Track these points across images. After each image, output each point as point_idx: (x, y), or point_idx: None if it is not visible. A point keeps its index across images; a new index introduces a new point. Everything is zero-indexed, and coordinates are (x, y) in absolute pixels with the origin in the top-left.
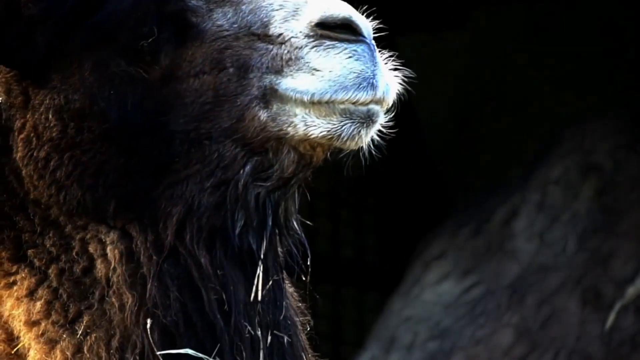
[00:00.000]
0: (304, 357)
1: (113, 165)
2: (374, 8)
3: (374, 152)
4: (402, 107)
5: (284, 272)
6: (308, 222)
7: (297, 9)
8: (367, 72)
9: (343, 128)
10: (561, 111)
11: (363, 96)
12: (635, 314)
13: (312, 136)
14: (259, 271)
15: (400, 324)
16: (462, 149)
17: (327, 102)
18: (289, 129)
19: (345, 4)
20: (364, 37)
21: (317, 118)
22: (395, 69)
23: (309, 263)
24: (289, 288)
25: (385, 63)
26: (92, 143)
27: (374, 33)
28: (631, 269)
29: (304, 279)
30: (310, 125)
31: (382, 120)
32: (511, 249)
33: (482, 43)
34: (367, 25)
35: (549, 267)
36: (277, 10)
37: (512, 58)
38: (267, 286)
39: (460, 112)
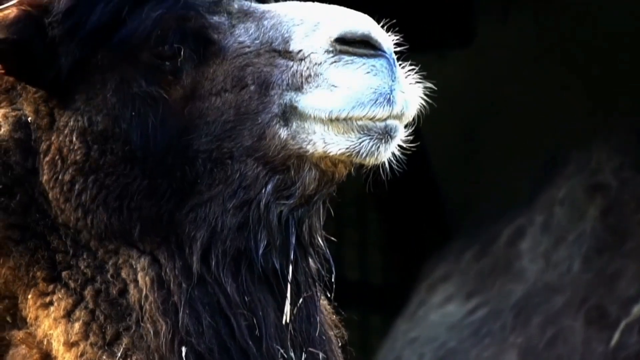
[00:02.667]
0: None
1: (136, 188)
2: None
3: (395, 167)
4: (407, 126)
5: (317, 285)
6: (333, 239)
7: (318, 23)
8: (385, 88)
9: (361, 145)
10: (567, 131)
11: (380, 112)
12: None
13: (331, 154)
14: (288, 293)
15: (406, 345)
16: (467, 169)
17: (345, 119)
18: (309, 146)
19: (366, 17)
20: (383, 51)
21: (336, 135)
22: (417, 83)
23: (333, 280)
24: (323, 301)
25: (406, 77)
26: (115, 165)
27: (394, 47)
28: (636, 288)
29: (328, 295)
30: (329, 142)
31: (402, 135)
32: (516, 270)
33: (488, 61)
34: (387, 40)
35: (554, 287)
36: (298, 25)
37: (517, 77)
38: (299, 303)
39: (465, 132)
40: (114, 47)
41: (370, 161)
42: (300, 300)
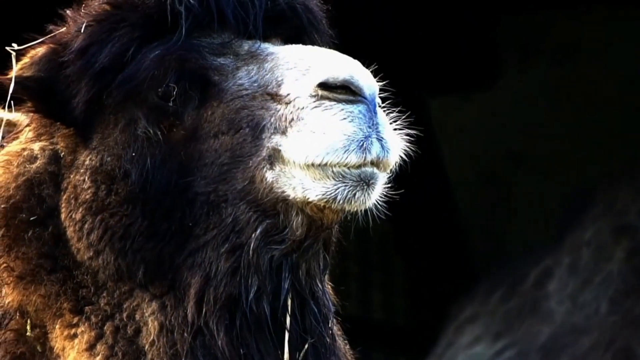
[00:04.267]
0: None
1: (137, 229)
2: (405, 71)
3: (377, 214)
4: (433, 169)
5: (338, 329)
6: (332, 285)
7: (308, 68)
8: (359, 135)
9: (337, 191)
10: (592, 172)
11: (353, 159)
12: None
13: (310, 199)
14: (286, 340)
15: None
16: (493, 210)
17: (320, 165)
18: (289, 191)
19: (353, 62)
20: (364, 97)
21: (313, 181)
22: (402, 129)
23: (330, 326)
24: (340, 344)
25: (391, 122)
26: (119, 206)
27: (381, 92)
28: None
29: (328, 340)
30: (307, 188)
31: (382, 181)
32: (544, 311)
33: (511, 103)
34: (370, 85)
35: (582, 328)
36: (290, 69)
37: (541, 119)
38: (306, 348)
39: (490, 173)
40: (120, 87)
41: (351, 207)
42: (306, 345)
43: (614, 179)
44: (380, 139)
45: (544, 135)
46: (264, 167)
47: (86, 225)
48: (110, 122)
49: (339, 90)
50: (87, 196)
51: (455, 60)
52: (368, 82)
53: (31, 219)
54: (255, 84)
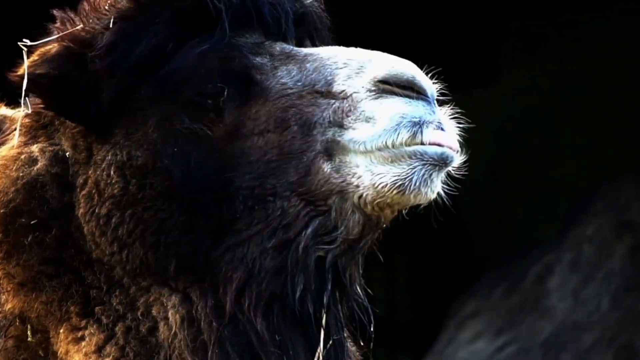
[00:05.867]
0: None
1: (174, 223)
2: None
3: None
4: None
5: (345, 330)
6: (368, 290)
7: (362, 66)
8: (420, 114)
9: (414, 171)
10: (594, 168)
11: (411, 134)
12: None
13: (380, 186)
14: (322, 338)
15: None
16: (495, 206)
17: (386, 148)
18: (353, 179)
19: (410, 63)
20: (426, 95)
21: (383, 165)
22: (457, 125)
23: (372, 329)
24: (351, 347)
25: (449, 118)
26: (153, 200)
27: (437, 94)
28: None
29: (362, 343)
30: (376, 173)
31: (455, 163)
32: (545, 308)
33: (513, 99)
34: (430, 86)
35: (583, 325)
36: (341, 68)
37: (542, 114)
38: (328, 346)
39: (492, 170)
40: (157, 83)
41: (421, 196)
42: (330, 342)
43: (616, 175)
44: (443, 129)
45: (545, 132)
46: (320, 159)
47: (113, 220)
48: (137, 117)
49: (402, 88)
50: (115, 190)
51: (456, 56)
52: (428, 82)
53: (32, 222)
54: (300, 83)
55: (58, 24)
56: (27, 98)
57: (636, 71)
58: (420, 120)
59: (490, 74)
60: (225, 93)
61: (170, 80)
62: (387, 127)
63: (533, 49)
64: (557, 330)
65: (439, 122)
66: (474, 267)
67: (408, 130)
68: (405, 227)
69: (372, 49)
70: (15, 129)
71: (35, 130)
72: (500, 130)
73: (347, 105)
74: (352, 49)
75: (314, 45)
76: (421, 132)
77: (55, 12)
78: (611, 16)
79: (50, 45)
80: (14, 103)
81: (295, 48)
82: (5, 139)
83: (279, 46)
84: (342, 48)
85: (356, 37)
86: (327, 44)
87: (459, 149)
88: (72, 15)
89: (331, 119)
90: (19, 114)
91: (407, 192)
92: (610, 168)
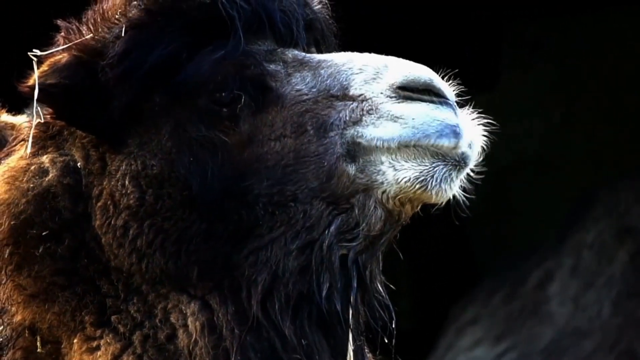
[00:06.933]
0: None
1: (195, 232)
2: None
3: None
4: None
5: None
6: (391, 286)
7: (378, 72)
8: (451, 121)
9: (435, 169)
10: (595, 173)
11: (446, 143)
12: None
13: (403, 180)
14: (350, 337)
15: None
16: (495, 212)
17: (414, 146)
18: (378, 176)
19: (426, 68)
20: (447, 99)
21: (406, 161)
22: (480, 125)
23: (394, 326)
24: (367, 353)
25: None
26: (172, 210)
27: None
28: None
29: (386, 341)
30: (399, 169)
31: (472, 164)
32: (545, 313)
33: (512, 104)
34: (449, 89)
35: (584, 331)
36: (357, 73)
37: (542, 120)
38: (354, 348)
39: (492, 175)
40: (171, 91)
41: (440, 194)
42: (353, 347)
43: (616, 180)
44: (468, 131)
45: (546, 137)
46: (343, 162)
47: (131, 231)
48: (150, 125)
49: (421, 92)
50: (131, 201)
51: (457, 60)
52: (446, 85)
53: (43, 233)
54: (314, 89)
55: (64, 34)
56: (38, 107)
57: (637, 75)
58: (444, 122)
59: (491, 79)
60: (242, 101)
61: (185, 88)
62: (413, 126)
63: (534, 52)
64: (557, 336)
65: (461, 124)
66: (474, 272)
67: (433, 131)
68: (405, 233)
69: (374, 52)
70: (22, 140)
71: (43, 140)
72: (500, 135)
73: (366, 105)
74: (365, 54)
75: (319, 51)
76: (446, 133)
77: (59, 22)
78: (613, 19)
79: (60, 55)
80: (14, 110)
81: (308, 55)
82: (12, 149)
83: (290, 53)
84: (355, 54)
85: (359, 40)
86: (333, 50)
87: (479, 151)
88: (77, 25)
89: (348, 117)
90: (22, 121)
91: (429, 187)
92: (609, 173)
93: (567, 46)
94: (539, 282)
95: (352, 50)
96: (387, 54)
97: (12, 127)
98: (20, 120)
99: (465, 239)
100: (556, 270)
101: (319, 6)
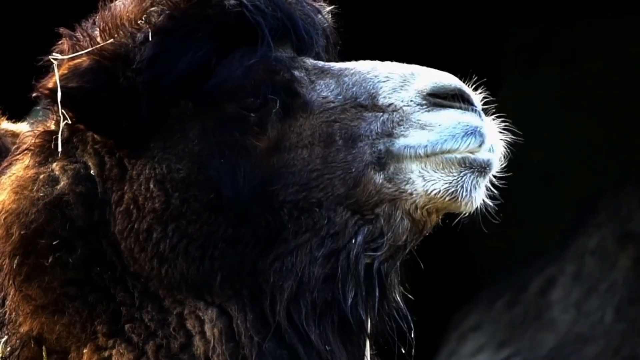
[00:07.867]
0: None
1: (221, 237)
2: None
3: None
4: None
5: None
6: (410, 296)
7: (405, 80)
8: (475, 123)
9: (463, 179)
10: (597, 179)
11: (472, 142)
12: None
13: (433, 192)
14: (367, 346)
15: None
16: (496, 218)
17: (442, 153)
18: (407, 186)
19: (451, 75)
20: (474, 106)
21: (435, 172)
22: (502, 132)
23: (412, 336)
24: None
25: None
26: (198, 214)
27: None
28: None
29: (403, 351)
30: (428, 180)
31: (495, 169)
32: (548, 320)
33: (514, 111)
34: (475, 96)
35: (587, 337)
36: (384, 81)
37: (544, 126)
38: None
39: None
40: (200, 96)
41: (469, 203)
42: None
43: (618, 186)
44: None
45: (548, 142)
46: (371, 170)
47: (155, 235)
48: (175, 130)
49: (451, 99)
50: (156, 205)
51: (459, 66)
52: (473, 93)
53: (53, 243)
54: (340, 97)
55: (72, 40)
56: (64, 110)
57: (638, 81)
58: (475, 129)
59: (492, 84)
60: (273, 106)
61: (215, 93)
62: (444, 133)
63: (536, 58)
64: (560, 342)
65: (485, 126)
66: (476, 279)
67: (464, 138)
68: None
69: (374, 57)
70: (26, 149)
71: (48, 149)
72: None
73: (397, 117)
74: (388, 62)
75: (319, 59)
76: (475, 140)
77: (61, 29)
78: (616, 25)
79: (82, 59)
80: (14, 117)
81: (327, 63)
82: (15, 158)
83: (309, 61)
84: (377, 62)
85: (359, 44)
86: (335, 58)
87: (502, 157)
88: (88, 31)
89: (379, 130)
90: (23, 129)
91: (459, 198)
92: (612, 178)
93: (570, 52)
94: (541, 288)
95: (353, 56)
96: (388, 60)
97: (13, 134)
98: (21, 127)
99: (466, 245)
100: (558, 276)
101: (328, 14)
